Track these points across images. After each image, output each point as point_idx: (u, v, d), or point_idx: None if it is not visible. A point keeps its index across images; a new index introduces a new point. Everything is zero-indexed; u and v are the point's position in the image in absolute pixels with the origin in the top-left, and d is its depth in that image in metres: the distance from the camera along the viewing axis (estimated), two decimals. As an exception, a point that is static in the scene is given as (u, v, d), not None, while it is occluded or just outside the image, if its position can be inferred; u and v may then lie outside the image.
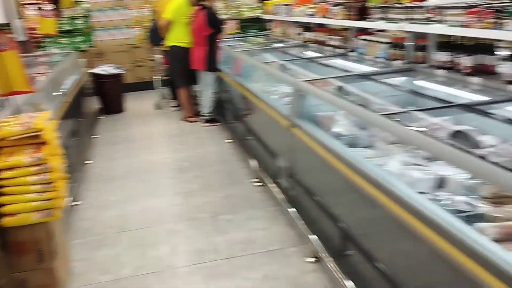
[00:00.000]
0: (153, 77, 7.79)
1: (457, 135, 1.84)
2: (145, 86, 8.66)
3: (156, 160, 5.33)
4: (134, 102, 8.18)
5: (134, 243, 3.52)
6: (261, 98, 4.25)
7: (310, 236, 3.09)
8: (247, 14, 8.74)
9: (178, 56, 6.48)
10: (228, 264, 3.14)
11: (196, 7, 6.20)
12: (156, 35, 6.82)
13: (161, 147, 5.80)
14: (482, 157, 1.64)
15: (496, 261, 1.46)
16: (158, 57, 7.37)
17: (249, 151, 4.85)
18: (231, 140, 5.63)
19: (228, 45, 6.35)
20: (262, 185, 4.26)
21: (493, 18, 2.56)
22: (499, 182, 1.58)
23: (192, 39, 6.29)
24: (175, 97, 7.29)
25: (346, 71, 3.94)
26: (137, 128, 6.80)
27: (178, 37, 6.42)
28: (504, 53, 2.84)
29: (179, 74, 6.60)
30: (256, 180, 4.39)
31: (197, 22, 6.12)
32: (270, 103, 3.99)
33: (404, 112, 2.45)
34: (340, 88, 2.91)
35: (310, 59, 4.68)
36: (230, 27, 6.83)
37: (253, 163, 4.55)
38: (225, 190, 4.32)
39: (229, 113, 6.02)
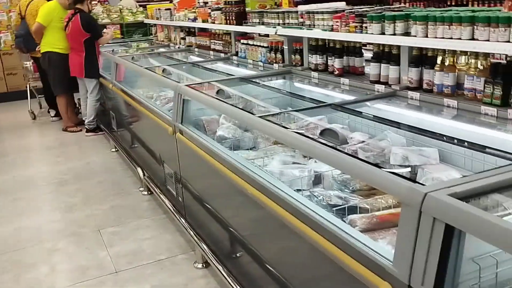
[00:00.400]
0: (28, 86, 7.22)
1: (325, 133, 1.93)
2: (20, 95, 7.99)
3: (32, 175, 4.92)
4: (6, 114, 7.51)
5: (7, 267, 3.20)
6: (145, 104, 4.12)
7: (199, 242, 3.05)
8: (130, 18, 8.47)
9: (54, 62, 6.07)
10: (114, 279, 2.99)
11: (70, 11, 5.86)
12: (28, 40, 6.34)
13: (38, 161, 5.37)
14: (348, 153, 1.73)
15: (363, 250, 1.55)
16: (31, 64, 6.85)
17: (136, 160, 4.68)
18: (116, 149, 5.40)
19: (111, 51, 6.09)
20: (150, 194, 4.14)
21: (356, 22, 2.75)
22: (360, 175, 1.68)
23: (68, 45, 5.94)
24: (54, 106, 6.82)
25: (229, 74, 3.97)
26: (10, 142, 6.24)
27: (52, 43, 6.02)
28: (369, 54, 3.06)
29: (57, 81, 6.19)
30: (143, 188, 4.25)
31: (72, 27, 5.78)
32: (154, 109, 3.88)
33: (280, 113, 2.53)
34: (219, 91, 2.91)
35: (194, 64, 4.65)
36: (110, 32, 6.54)
37: (140, 171, 4.40)
38: (110, 201, 4.12)
39: (113, 121, 5.76)
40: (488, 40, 1.93)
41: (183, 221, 3.34)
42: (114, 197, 4.20)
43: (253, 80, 3.54)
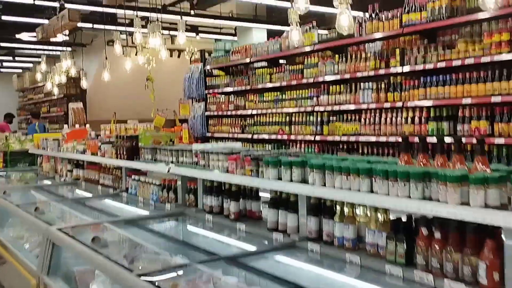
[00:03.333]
0: None
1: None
2: None
3: None
4: None
5: None
6: (7, 247, 3.49)
7: None
8: (16, 147, 7.85)
9: None
10: None
11: None
12: None
13: None
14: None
15: None
16: None
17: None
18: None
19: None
20: None
21: (252, 166, 2.59)
22: None
23: None
24: None
25: (115, 215, 3.55)
26: None
27: None
28: (266, 199, 2.87)
29: None
30: None
31: None
32: (17, 254, 3.28)
33: (164, 270, 2.15)
34: (95, 239, 2.49)
35: (78, 200, 4.18)
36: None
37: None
38: None
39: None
40: (387, 194, 1.82)
41: None
42: None
43: (142, 222, 3.16)
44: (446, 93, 4.64)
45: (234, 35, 11.09)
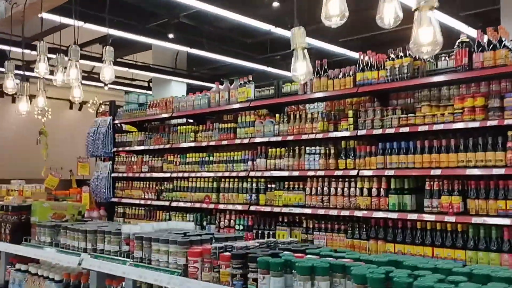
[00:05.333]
0: None
1: None
2: None
3: None
4: None
5: None
6: None
7: None
8: None
9: None
10: None
11: None
12: None
13: None
14: None
15: None
16: None
17: None
18: None
19: None
20: None
21: (235, 267, 1.61)
22: None
23: None
24: None
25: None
26: None
27: None
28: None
29: None
30: None
31: None
32: None
33: None
34: None
35: None
36: None
37: None
38: None
39: None
40: None
41: None
42: None
43: None
44: (409, 162, 4.08)
45: (148, 88, 10.09)
